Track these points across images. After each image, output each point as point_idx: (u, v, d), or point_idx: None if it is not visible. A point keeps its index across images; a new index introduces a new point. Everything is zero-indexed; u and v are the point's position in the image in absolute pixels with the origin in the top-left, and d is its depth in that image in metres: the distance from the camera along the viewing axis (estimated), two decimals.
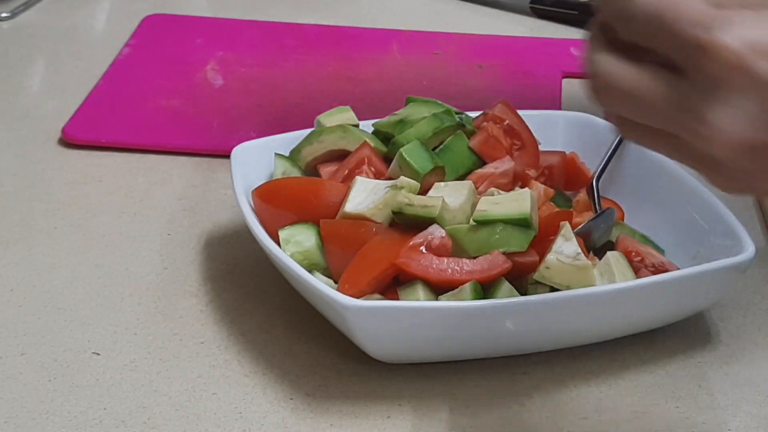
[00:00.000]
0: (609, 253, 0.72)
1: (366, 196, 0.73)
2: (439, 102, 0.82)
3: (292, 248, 0.73)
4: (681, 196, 0.79)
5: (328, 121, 0.81)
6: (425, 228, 0.70)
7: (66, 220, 0.84)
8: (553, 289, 0.68)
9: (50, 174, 0.90)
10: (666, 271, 0.73)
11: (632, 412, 0.68)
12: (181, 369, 0.70)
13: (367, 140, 0.78)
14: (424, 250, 0.70)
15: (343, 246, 0.72)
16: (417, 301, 0.68)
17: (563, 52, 1.08)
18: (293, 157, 0.80)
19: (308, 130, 0.81)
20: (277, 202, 0.75)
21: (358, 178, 0.74)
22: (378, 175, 0.76)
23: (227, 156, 0.89)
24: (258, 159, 0.80)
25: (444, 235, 0.70)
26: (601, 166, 0.82)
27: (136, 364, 0.71)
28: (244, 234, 0.82)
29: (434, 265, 0.69)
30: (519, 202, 0.71)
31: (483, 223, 0.70)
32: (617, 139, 0.82)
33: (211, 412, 0.67)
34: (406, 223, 0.71)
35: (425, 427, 0.67)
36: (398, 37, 1.11)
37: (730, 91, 0.52)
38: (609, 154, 0.83)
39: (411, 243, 0.70)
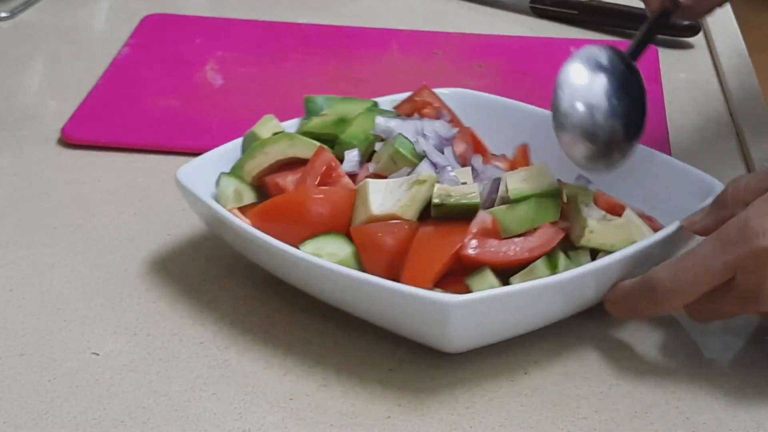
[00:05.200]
0: (627, 210, 0.74)
1: (384, 196, 0.72)
2: (354, 98, 0.83)
3: (328, 260, 0.71)
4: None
5: (263, 131, 0.80)
6: (459, 217, 0.71)
7: (65, 220, 0.84)
8: (593, 253, 0.71)
9: (50, 174, 0.90)
10: (651, 219, 0.75)
11: (632, 412, 0.68)
12: (180, 369, 0.70)
13: (321, 145, 0.77)
14: (479, 238, 0.70)
15: (380, 249, 0.71)
16: (493, 287, 0.69)
17: (563, 52, 1.08)
18: (236, 173, 0.78)
19: (237, 141, 0.80)
20: (283, 220, 0.73)
21: (369, 180, 0.73)
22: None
23: None
24: (202, 178, 0.78)
25: (492, 219, 0.71)
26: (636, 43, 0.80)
27: (136, 364, 0.71)
28: None
29: (499, 250, 0.70)
30: (543, 175, 0.73)
31: (518, 200, 0.71)
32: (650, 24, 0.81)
33: (210, 412, 0.67)
34: (442, 215, 0.71)
35: (425, 427, 0.67)
36: (398, 37, 1.11)
37: None
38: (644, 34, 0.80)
39: (470, 231, 0.70)
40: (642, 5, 0.85)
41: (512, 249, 0.70)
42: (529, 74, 1.04)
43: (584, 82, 0.76)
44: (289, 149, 0.78)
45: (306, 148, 0.78)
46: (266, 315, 0.75)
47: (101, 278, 0.78)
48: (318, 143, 0.78)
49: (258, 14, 1.15)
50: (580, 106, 0.75)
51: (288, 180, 0.77)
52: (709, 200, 0.73)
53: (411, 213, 0.72)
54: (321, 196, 0.74)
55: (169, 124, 0.95)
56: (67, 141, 0.93)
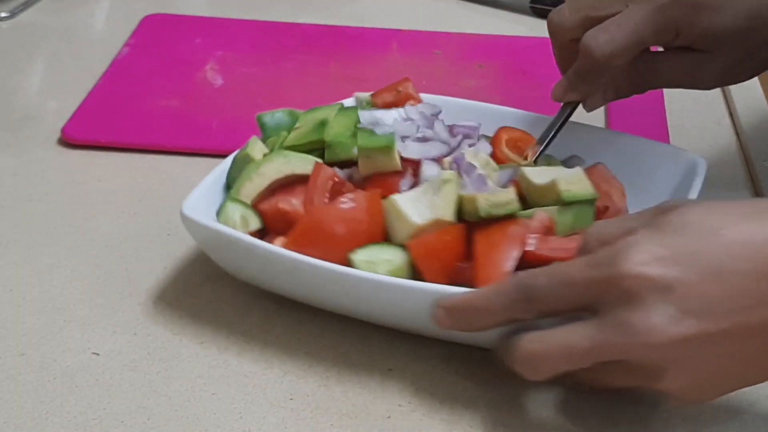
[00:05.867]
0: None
1: (414, 205, 0.72)
2: (318, 106, 0.81)
3: (385, 267, 0.70)
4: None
5: (255, 152, 0.78)
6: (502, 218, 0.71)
7: (66, 220, 0.84)
8: None
9: (50, 174, 0.90)
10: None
11: (632, 412, 0.68)
12: (180, 369, 0.70)
13: (316, 159, 0.76)
14: (542, 236, 0.70)
15: (440, 257, 0.70)
16: None
17: None
18: (234, 197, 0.75)
19: (227, 160, 0.78)
20: (320, 243, 0.71)
21: (394, 197, 0.72)
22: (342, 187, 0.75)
23: (227, 156, 0.89)
24: (200, 209, 0.74)
25: (550, 218, 0.71)
26: (547, 140, 0.81)
27: (136, 364, 0.71)
28: None
29: (565, 247, 0.70)
30: (584, 181, 0.73)
31: (570, 203, 0.72)
32: (565, 114, 0.82)
33: (211, 412, 0.67)
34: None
35: (425, 427, 0.67)
36: (398, 37, 1.11)
37: (644, 301, 0.59)
38: (556, 128, 0.82)
39: (532, 229, 0.71)
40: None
41: (572, 246, 0.68)
42: (529, 74, 1.04)
43: None
44: (285, 167, 0.75)
45: (302, 164, 0.76)
46: (266, 315, 0.75)
47: (101, 278, 0.78)
48: (314, 158, 0.76)
49: (258, 14, 1.15)
50: None
51: (294, 203, 0.74)
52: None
53: (450, 214, 0.72)
54: (357, 210, 0.72)
55: (169, 124, 0.95)
56: (67, 141, 0.93)
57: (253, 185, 0.75)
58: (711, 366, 0.61)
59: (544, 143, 0.81)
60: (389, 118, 0.78)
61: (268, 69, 1.04)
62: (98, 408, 0.67)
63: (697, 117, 1.00)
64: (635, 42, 0.76)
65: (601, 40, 0.76)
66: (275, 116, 0.81)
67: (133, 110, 0.97)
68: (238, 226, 0.73)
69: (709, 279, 0.60)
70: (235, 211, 0.74)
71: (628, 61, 0.78)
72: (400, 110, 0.80)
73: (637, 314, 0.60)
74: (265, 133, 0.81)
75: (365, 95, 0.84)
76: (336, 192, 0.74)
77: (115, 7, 1.17)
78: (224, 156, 0.89)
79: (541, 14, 1.17)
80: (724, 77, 0.81)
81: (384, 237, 0.72)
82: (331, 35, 1.11)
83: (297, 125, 0.79)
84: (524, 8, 1.18)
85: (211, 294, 0.77)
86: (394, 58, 1.07)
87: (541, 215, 0.71)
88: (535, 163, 0.79)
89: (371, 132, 0.76)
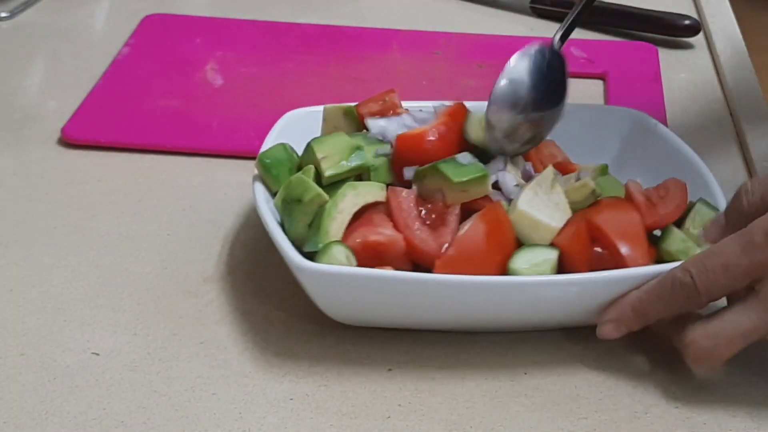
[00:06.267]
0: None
1: (541, 209, 0.73)
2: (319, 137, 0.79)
3: (548, 267, 0.71)
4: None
5: (310, 189, 0.74)
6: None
7: (66, 220, 0.84)
8: None
9: (50, 174, 0.90)
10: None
11: (632, 412, 0.68)
12: (180, 369, 0.70)
13: (379, 185, 0.75)
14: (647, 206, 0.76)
15: (584, 248, 0.72)
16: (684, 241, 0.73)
17: (563, 51, 1.08)
18: (322, 240, 0.72)
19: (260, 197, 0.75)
20: (470, 263, 0.71)
21: (519, 206, 0.72)
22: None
23: (227, 156, 0.89)
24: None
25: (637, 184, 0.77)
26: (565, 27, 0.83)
27: (136, 364, 0.71)
28: (243, 234, 0.82)
29: (666, 211, 0.75)
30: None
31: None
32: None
33: (211, 412, 0.67)
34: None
35: (425, 427, 0.67)
36: (398, 37, 1.11)
37: None
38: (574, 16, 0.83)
39: (641, 204, 0.75)
40: (643, 5, 0.85)
41: (667, 210, 0.75)
42: None
43: (512, 68, 0.81)
44: (359, 198, 0.73)
45: (372, 191, 0.74)
46: (266, 315, 0.75)
47: (101, 278, 0.78)
48: (379, 183, 0.75)
49: (258, 14, 1.15)
50: (504, 84, 0.80)
51: (386, 233, 0.72)
52: (721, 209, 0.73)
53: (569, 208, 0.74)
54: (492, 227, 0.72)
55: (169, 124, 0.95)
56: (67, 141, 0.93)
57: (337, 223, 0.72)
58: None
59: (565, 28, 0.82)
60: (393, 125, 0.79)
61: (268, 69, 1.04)
62: (98, 408, 0.67)
63: (697, 117, 1.00)
64: None
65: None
66: (272, 153, 0.78)
67: (133, 110, 0.97)
68: (345, 266, 0.70)
69: None
70: (340, 252, 0.70)
71: None
72: (399, 119, 0.79)
73: None
74: (270, 173, 0.77)
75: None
76: (434, 216, 0.73)
77: (115, 7, 1.17)
78: (224, 156, 0.89)
79: (541, 14, 1.17)
80: None
81: (515, 247, 0.72)
82: (331, 35, 1.11)
83: (321, 155, 0.75)
84: (524, 8, 1.18)
85: (211, 294, 0.77)
86: (394, 58, 1.07)
87: (637, 189, 0.76)
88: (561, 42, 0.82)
89: (455, 163, 0.74)
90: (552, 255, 0.71)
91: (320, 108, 0.82)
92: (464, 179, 0.73)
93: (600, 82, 1.04)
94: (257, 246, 0.81)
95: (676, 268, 0.68)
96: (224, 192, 0.87)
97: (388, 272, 0.70)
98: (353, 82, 1.02)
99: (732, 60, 1.07)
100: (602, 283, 0.70)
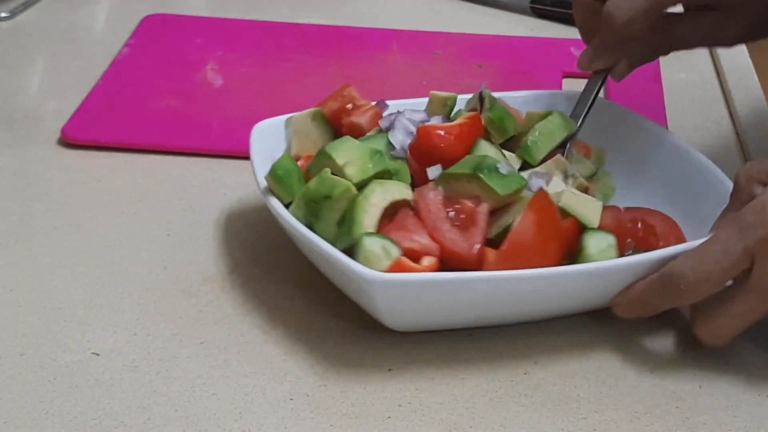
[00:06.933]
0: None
1: (579, 203, 0.74)
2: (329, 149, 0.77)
3: (613, 252, 0.72)
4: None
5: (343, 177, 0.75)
6: None
7: (66, 220, 0.84)
8: None
9: (50, 174, 0.90)
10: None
11: (632, 412, 0.68)
12: (180, 369, 0.70)
13: (404, 184, 0.75)
14: None
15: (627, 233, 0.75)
16: None
17: (563, 52, 1.08)
18: (358, 232, 0.71)
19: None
20: (526, 255, 0.71)
21: (565, 200, 0.74)
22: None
23: (227, 156, 0.89)
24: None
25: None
26: (583, 115, 0.83)
27: (136, 364, 0.71)
28: (244, 234, 0.82)
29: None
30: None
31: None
32: (597, 84, 0.84)
33: (210, 413, 0.67)
34: None
35: (425, 427, 0.67)
36: (398, 37, 1.11)
37: None
38: (591, 100, 0.84)
39: None
40: None
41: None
42: (529, 74, 1.04)
43: None
44: (388, 194, 0.73)
45: (398, 190, 0.74)
46: (266, 315, 0.75)
47: (101, 278, 0.78)
48: (402, 183, 0.75)
49: (258, 14, 1.15)
50: None
51: (423, 241, 0.71)
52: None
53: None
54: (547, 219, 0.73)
55: (169, 124, 0.95)
56: (67, 141, 0.93)
57: (370, 216, 0.72)
58: None
59: (582, 118, 0.83)
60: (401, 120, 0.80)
61: (268, 69, 1.04)
62: (98, 408, 0.67)
63: (697, 117, 1.00)
64: (655, 5, 0.77)
65: (622, 6, 0.77)
66: (283, 165, 0.76)
67: (133, 110, 0.97)
68: (383, 258, 0.70)
69: None
70: (374, 243, 0.70)
71: (650, 24, 0.78)
72: (401, 120, 0.80)
73: None
74: (283, 184, 0.76)
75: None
76: (464, 215, 0.74)
77: (115, 7, 1.17)
78: (224, 156, 0.89)
79: (541, 14, 1.17)
80: (745, 36, 0.82)
81: (565, 233, 0.73)
82: (331, 35, 1.11)
83: (342, 161, 0.75)
84: (524, 8, 1.18)
85: (211, 294, 0.77)
86: (394, 58, 1.07)
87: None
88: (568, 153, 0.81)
89: (497, 173, 0.74)
90: (611, 239, 0.72)
91: (282, 118, 0.82)
92: (510, 192, 0.73)
93: None
94: (257, 246, 0.81)
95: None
96: (224, 192, 0.87)
97: (469, 274, 0.70)
98: (353, 82, 1.01)
99: (732, 60, 1.07)
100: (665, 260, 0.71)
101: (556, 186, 0.75)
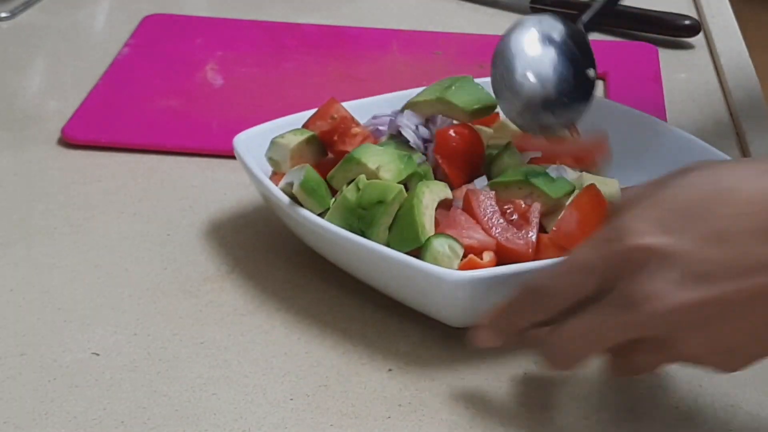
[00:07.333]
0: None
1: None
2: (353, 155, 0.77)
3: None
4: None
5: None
6: None
7: (66, 220, 0.84)
8: None
9: (50, 174, 0.90)
10: None
11: (632, 412, 0.68)
12: (180, 369, 0.70)
13: (443, 184, 0.76)
14: None
15: None
16: None
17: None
18: (423, 235, 0.72)
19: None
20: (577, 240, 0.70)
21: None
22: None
23: (227, 156, 0.89)
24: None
25: None
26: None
27: (136, 364, 0.71)
28: (244, 234, 0.82)
29: None
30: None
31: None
32: None
33: (210, 413, 0.67)
34: None
35: (425, 427, 0.67)
36: (398, 37, 1.11)
37: (645, 271, 0.59)
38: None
39: None
40: (643, 5, 0.85)
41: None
42: None
43: (531, 52, 0.83)
44: (435, 195, 0.74)
45: (441, 190, 0.75)
46: (266, 315, 0.75)
47: (101, 278, 0.78)
48: (443, 183, 0.75)
49: (258, 14, 1.15)
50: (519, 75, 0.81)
51: (479, 237, 0.72)
52: None
53: None
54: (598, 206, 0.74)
55: (169, 124, 0.95)
56: (67, 141, 0.93)
57: (427, 218, 0.72)
58: (727, 332, 0.59)
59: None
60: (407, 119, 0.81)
61: (268, 69, 1.04)
62: (98, 408, 0.67)
63: (697, 117, 1.00)
64: None
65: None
66: (311, 176, 0.75)
67: (133, 110, 0.97)
68: (453, 259, 0.71)
69: (711, 242, 0.58)
70: (442, 244, 0.71)
71: None
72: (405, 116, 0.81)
73: (637, 285, 0.59)
74: (316, 195, 0.75)
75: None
76: (519, 216, 0.75)
77: (115, 7, 1.17)
78: (224, 156, 0.89)
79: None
80: None
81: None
82: (331, 35, 1.11)
83: (374, 165, 0.75)
84: (524, 8, 1.18)
85: (211, 294, 0.77)
86: (394, 58, 1.07)
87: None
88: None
89: (547, 177, 0.75)
90: None
91: (264, 127, 0.82)
92: (561, 195, 0.75)
93: (600, 82, 1.04)
94: (257, 246, 0.81)
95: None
96: (224, 192, 0.87)
97: (544, 263, 0.69)
98: (353, 82, 1.02)
99: (732, 60, 1.07)
100: None
101: (571, 174, 0.77)
